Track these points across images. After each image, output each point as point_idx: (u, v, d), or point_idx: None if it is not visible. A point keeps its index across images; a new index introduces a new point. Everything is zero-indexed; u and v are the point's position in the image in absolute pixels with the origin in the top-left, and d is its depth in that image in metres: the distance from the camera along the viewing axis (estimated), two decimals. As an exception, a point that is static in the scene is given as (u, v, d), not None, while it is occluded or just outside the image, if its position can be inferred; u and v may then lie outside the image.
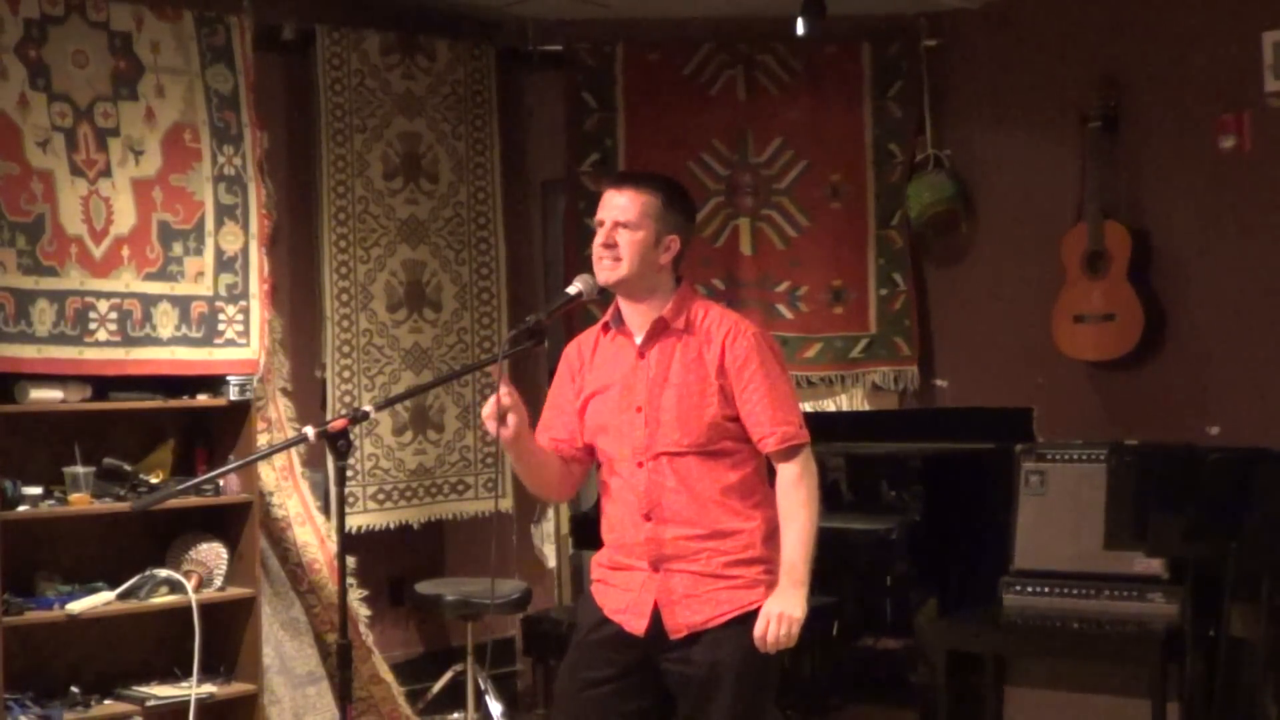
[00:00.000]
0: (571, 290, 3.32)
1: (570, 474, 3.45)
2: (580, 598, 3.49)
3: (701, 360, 3.28)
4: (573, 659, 3.38)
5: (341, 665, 3.24)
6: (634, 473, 3.29)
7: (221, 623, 4.93)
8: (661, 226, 3.29)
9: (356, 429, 5.48)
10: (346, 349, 5.61)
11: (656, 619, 3.26)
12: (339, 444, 3.15)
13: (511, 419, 3.19)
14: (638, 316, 3.34)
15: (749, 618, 3.21)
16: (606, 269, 3.29)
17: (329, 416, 5.16)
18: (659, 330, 3.31)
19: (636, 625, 3.27)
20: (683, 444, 3.25)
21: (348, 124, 5.61)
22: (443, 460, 5.83)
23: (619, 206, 3.29)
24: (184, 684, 4.80)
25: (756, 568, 3.26)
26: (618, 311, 3.38)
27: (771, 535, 3.27)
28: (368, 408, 3.30)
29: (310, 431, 3.20)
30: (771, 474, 3.31)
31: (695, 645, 3.24)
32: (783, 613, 3.17)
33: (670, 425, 3.26)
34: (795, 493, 3.24)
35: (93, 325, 4.73)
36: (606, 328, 3.41)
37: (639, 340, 3.33)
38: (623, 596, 3.31)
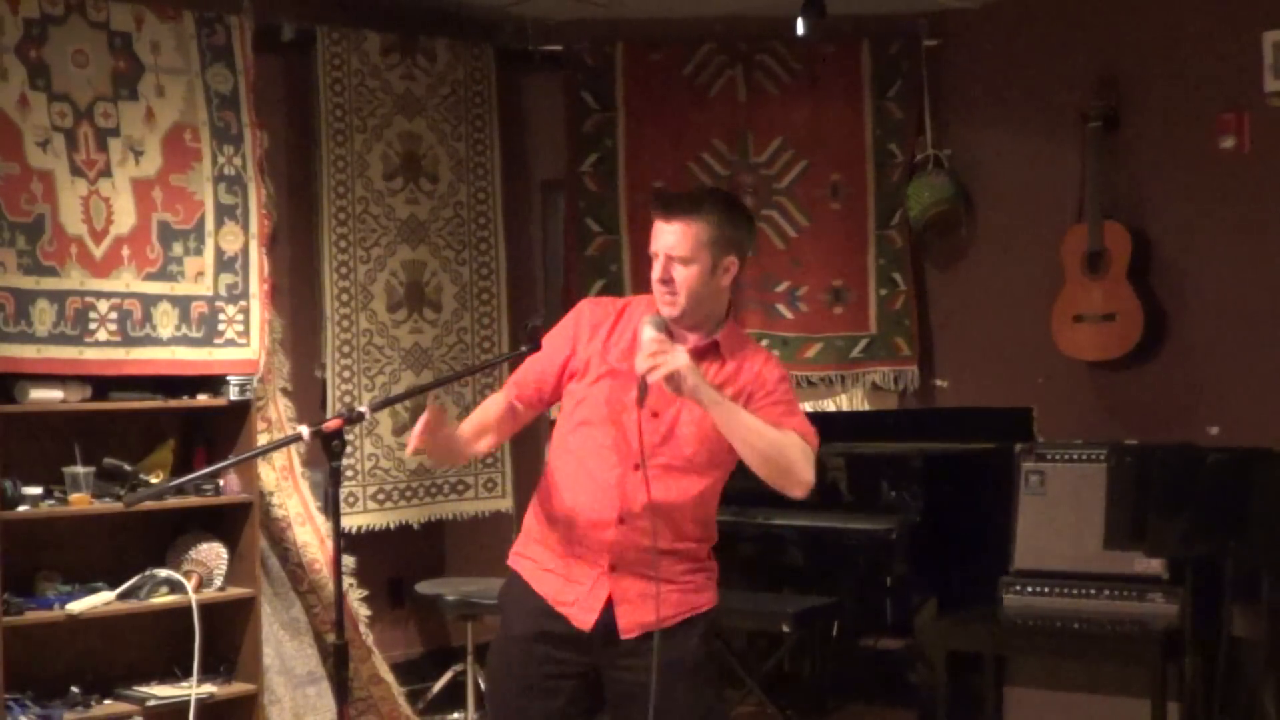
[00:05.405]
0: (647, 335, 3.15)
1: (512, 423, 3.33)
2: (504, 586, 3.34)
3: (728, 386, 3.18)
4: (508, 657, 3.28)
5: (339, 665, 3.23)
6: (625, 474, 3.17)
7: (221, 623, 4.93)
8: (717, 251, 3.18)
9: (356, 428, 5.53)
10: (346, 349, 5.62)
11: (608, 615, 3.18)
12: (333, 444, 3.14)
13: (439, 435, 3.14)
14: (687, 333, 3.25)
15: (698, 620, 3.23)
16: (667, 305, 3.19)
17: (328, 416, 5.16)
18: (706, 352, 3.22)
19: (585, 620, 3.19)
20: (694, 459, 3.19)
21: (348, 124, 5.61)
22: (443, 460, 5.83)
23: (670, 242, 3.17)
24: (184, 684, 4.80)
25: (702, 574, 3.29)
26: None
27: (713, 545, 3.33)
28: (363, 408, 3.28)
29: (305, 431, 3.19)
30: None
31: (646, 645, 3.16)
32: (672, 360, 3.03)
33: (687, 440, 3.18)
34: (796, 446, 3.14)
35: (93, 325, 4.73)
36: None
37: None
38: (571, 589, 3.22)
